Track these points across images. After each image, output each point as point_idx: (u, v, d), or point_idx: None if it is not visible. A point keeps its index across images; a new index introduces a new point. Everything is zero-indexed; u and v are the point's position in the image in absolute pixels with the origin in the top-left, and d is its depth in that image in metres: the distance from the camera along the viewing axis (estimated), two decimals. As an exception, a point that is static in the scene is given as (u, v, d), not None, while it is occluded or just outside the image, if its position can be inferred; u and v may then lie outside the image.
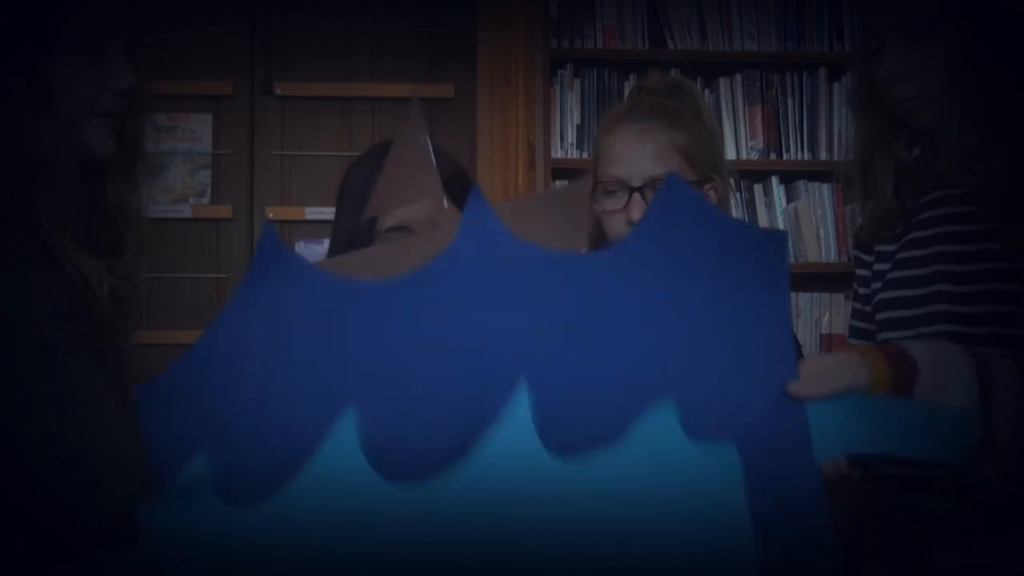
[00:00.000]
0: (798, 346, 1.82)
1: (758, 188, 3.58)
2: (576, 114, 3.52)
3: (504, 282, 0.93)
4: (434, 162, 1.05)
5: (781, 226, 3.56)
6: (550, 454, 0.91)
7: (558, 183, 3.46)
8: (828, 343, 3.53)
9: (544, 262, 0.93)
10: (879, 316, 1.56)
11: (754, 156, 3.57)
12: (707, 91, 3.55)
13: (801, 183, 3.59)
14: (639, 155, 1.64)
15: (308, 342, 0.93)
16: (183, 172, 3.60)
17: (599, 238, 1.72)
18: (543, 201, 1.01)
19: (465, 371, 0.93)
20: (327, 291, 0.94)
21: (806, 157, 3.57)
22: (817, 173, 3.57)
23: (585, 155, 3.41)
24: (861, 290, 1.63)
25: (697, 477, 0.93)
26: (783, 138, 3.58)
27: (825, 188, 3.58)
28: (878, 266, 1.58)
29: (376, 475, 0.90)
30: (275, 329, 0.93)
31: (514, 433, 0.91)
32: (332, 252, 1.63)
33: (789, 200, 3.59)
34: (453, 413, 0.92)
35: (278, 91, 3.59)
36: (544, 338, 0.93)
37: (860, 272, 1.63)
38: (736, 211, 3.34)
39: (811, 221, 3.56)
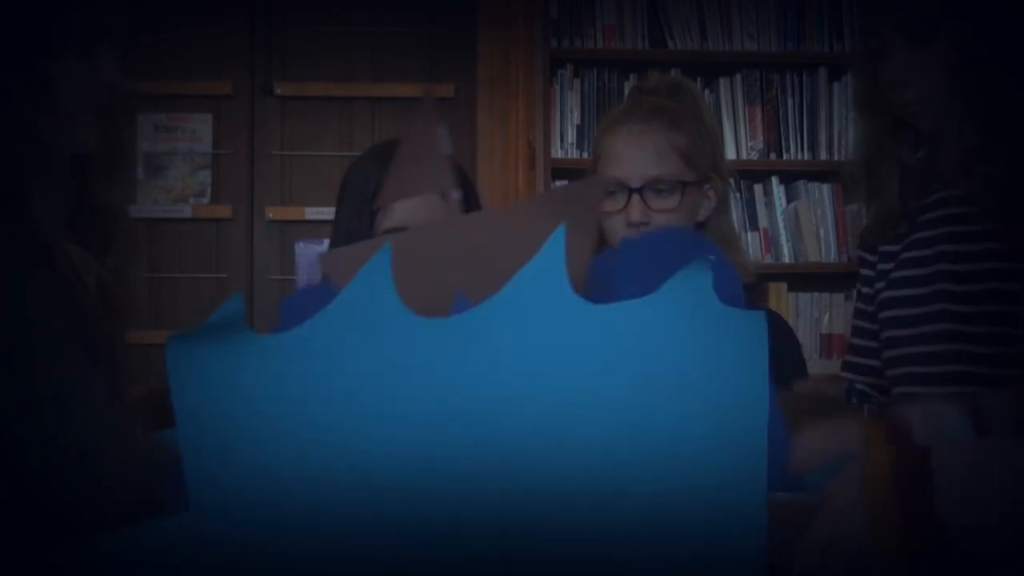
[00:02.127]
0: (797, 347, 1.82)
1: (758, 188, 3.58)
2: (576, 114, 3.52)
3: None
4: (448, 154, 1.06)
5: (781, 226, 3.56)
6: (580, 297, 0.90)
7: (558, 183, 3.46)
8: (828, 343, 3.52)
9: None
10: (882, 315, 1.56)
11: (754, 156, 3.57)
12: (707, 91, 3.54)
13: (801, 183, 3.59)
14: (638, 156, 1.63)
15: None
16: (183, 172, 3.60)
17: (599, 239, 1.72)
18: (553, 201, 1.01)
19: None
20: None
21: (806, 157, 3.57)
22: (817, 173, 3.57)
23: (585, 155, 3.40)
24: (864, 290, 1.63)
25: (723, 342, 0.91)
26: (783, 138, 3.58)
27: (825, 188, 3.58)
28: (881, 266, 1.58)
29: (405, 306, 0.90)
30: None
31: (546, 272, 0.90)
32: (331, 252, 1.63)
33: (789, 200, 3.59)
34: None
35: (278, 91, 3.59)
36: None
37: (863, 272, 1.64)
38: (736, 211, 3.34)
39: (811, 221, 3.56)
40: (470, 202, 1.58)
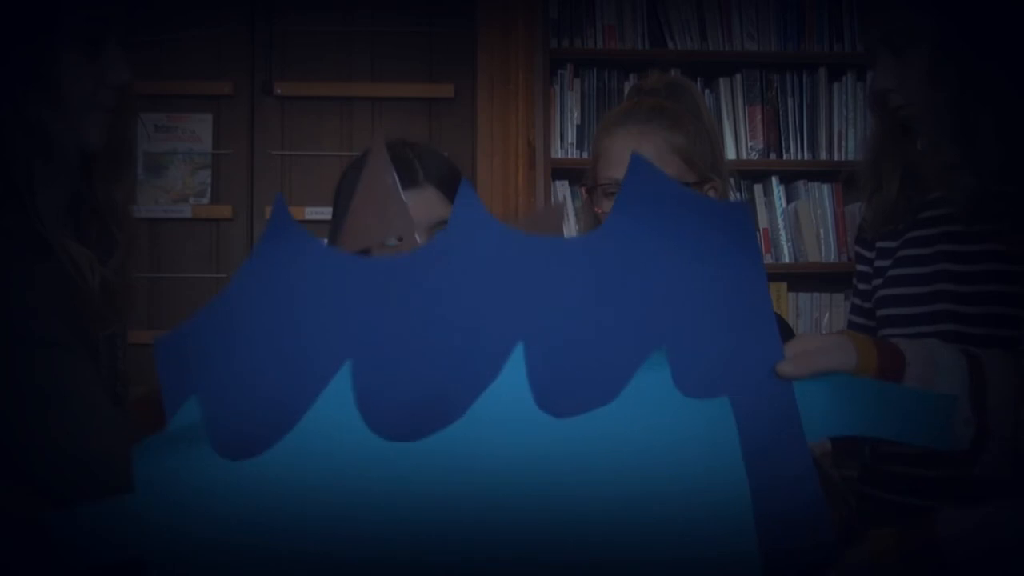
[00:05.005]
0: (787, 328, 1.82)
1: (758, 188, 3.58)
2: (576, 114, 3.52)
3: (496, 263, 0.94)
4: (401, 196, 1.07)
5: (781, 226, 3.56)
6: (545, 414, 0.91)
7: (558, 183, 3.47)
8: (828, 343, 3.52)
9: (531, 246, 0.94)
10: (880, 312, 1.56)
11: (754, 156, 3.57)
12: (707, 91, 3.55)
13: (801, 183, 3.59)
14: (638, 157, 1.63)
15: (311, 307, 0.94)
16: (183, 172, 3.60)
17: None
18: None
19: (461, 334, 0.94)
20: (331, 264, 0.96)
21: (806, 157, 3.57)
22: (817, 173, 3.57)
23: (585, 155, 3.40)
24: (861, 286, 1.63)
25: (691, 434, 0.92)
26: (783, 138, 3.58)
27: (825, 188, 3.58)
28: (879, 262, 1.58)
29: (370, 432, 0.90)
30: (281, 295, 0.95)
31: (509, 393, 0.90)
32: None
33: (789, 200, 3.59)
34: (448, 373, 0.92)
35: (278, 91, 3.60)
36: (537, 307, 0.94)
37: (860, 268, 1.64)
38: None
39: (811, 221, 3.56)
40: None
